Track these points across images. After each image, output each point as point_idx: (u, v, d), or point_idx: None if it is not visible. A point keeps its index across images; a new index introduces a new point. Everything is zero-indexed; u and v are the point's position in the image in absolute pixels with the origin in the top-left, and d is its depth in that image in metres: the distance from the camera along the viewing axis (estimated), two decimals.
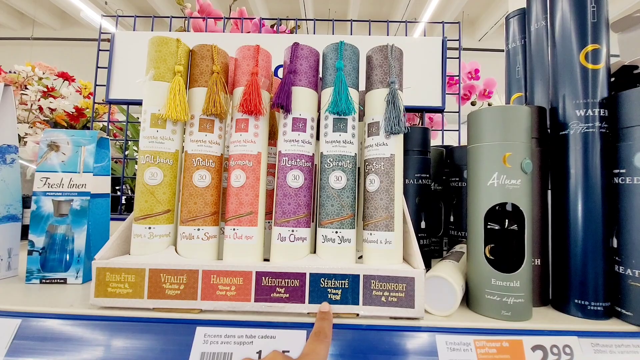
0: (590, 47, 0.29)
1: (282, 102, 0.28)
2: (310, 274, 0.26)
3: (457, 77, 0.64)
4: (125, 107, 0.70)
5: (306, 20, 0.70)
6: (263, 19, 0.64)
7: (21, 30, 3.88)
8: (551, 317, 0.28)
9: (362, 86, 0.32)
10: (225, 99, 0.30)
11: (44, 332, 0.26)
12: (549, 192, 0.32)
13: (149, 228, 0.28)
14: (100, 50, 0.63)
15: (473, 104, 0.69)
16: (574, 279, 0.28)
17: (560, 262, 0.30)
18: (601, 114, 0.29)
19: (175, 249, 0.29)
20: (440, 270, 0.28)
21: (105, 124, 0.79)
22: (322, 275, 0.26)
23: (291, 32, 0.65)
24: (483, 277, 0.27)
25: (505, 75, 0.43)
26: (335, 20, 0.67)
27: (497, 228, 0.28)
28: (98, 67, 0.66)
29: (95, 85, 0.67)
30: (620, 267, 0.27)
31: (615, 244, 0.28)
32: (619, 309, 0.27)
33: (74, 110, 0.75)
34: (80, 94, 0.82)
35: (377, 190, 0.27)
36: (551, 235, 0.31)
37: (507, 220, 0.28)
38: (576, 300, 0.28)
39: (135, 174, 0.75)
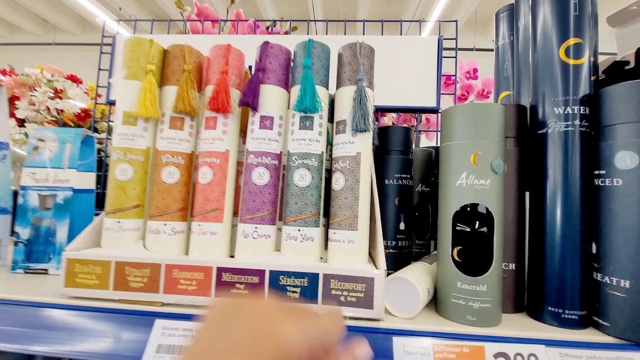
0: (571, 41, 0.28)
1: (249, 100, 0.28)
2: (270, 271, 0.26)
3: (454, 77, 0.62)
4: None
5: (308, 21, 0.71)
6: (258, 20, 0.65)
7: (45, 36, 4.12)
8: (522, 324, 0.26)
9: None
10: (196, 97, 0.31)
11: (19, 318, 0.27)
12: (527, 194, 0.30)
13: (118, 222, 0.29)
14: (102, 53, 0.66)
15: None
16: (549, 285, 0.27)
17: (535, 268, 0.28)
18: (582, 112, 0.27)
19: (144, 244, 0.29)
20: (406, 272, 0.28)
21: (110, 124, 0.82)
22: (281, 273, 0.26)
23: (286, 33, 0.66)
24: (449, 280, 0.26)
25: (495, 73, 0.41)
26: (347, 21, 0.66)
27: (466, 230, 0.27)
28: (100, 70, 0.69)
29: (97, 86, 0.70)
30: (599, 275, 0.25)
31: (594, 250, 0.26)
32: (596, 319, 0.25)
33: (79, 111, 0.79)
34: (88, 95, 0.86)
35: (342, 189, 0.27)
36: (528, 238, 0.30)
37: (475, 222, 0.27)
38: (550, 308, 0.26)
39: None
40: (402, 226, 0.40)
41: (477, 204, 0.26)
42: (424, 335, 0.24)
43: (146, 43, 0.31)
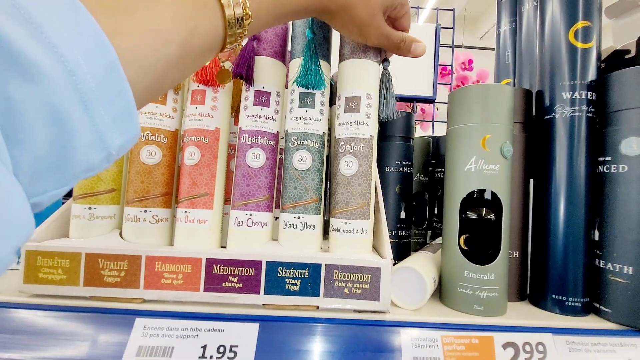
0: (580, 24, 0.27)
1: (242, 72, 0.25)
2: (266, 262, 0.24)
3: (450, 67, 0.62)
4: None
5: None
6: None
7: None
8: (526, 313, 0.26)
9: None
10: None
11: None
12: (531, 181, 0.30)
13: (89, 208, 0.25)
14: None
15: None
16: (552, 273, 0.26)
17: (539, 255, 0.28)
18: (589, 97, 0.27)
19: (120, 233, 0.26)
20: (411, 261, 0.26)
21: None
22: (279, 264, 0.24)
23: None
24: (456, 269, 0.25)
25: (495, 61, 0.40)
26: None
27: (473, 217, 0.26)
28: None
29: None
30: (601, 261, 0.25)
31: (597, 237, 0.26)
32: (598, 305, 0.25)
33: None
34: None
35: (355, 175, 0.25)
36: (531, 226, 0.29)
37: (483, 209, 0.26)
38: (554, 296, 0.26)
39: None
40: (402, 215, 0.38)
41: (484, 190, 0.25)
42: (432, 327, 0.23)
43: None
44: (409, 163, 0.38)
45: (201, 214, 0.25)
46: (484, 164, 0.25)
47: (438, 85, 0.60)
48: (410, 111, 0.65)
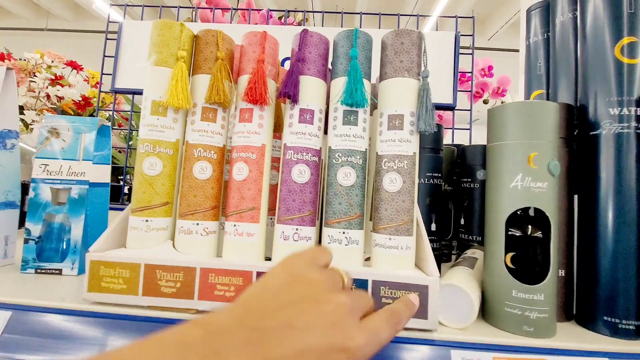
0: (625, 40, 0.27)
1: (290, 92, 0.26)
2: None
3: (469, 74, 0.61)
4: (128, 96, 0.70)
5: (313, 12, 0.68)
6: (271, 10, 0.62)
7: (35, 22, 3.96)
8: (577, 335, 0.25)
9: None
10: (229, 87, 0.29)
11: (35, 326, 0.25)
12: (575, 197, 0.29)
13: (146, 221, 0.27)
14: (107, 39, 0.63)
15: (485, 102, 0.66)
16: (602, 293, 0.26)
17: (586, 274, 0.27)
18: (638, 113, 0.26)
19: (173, 244, 0.27)
20: (455, 278, 0.26)
21: (111, 113, 0.79)
22: None
23: (299, 24, 0.63)
24: (503, 288, 0.25)
25: (525, 71, 0.40)
26: (344, 13, 0.65)
27: (520, 235, 0.25)
28: (105, 56, 0.66)
29: (102, 74, 0.67)
30: None
31: None
32: None
33: (80, 99, 0.75)
34: (88, 82, 0.82)
35: (399, 191, 0.25)
36: (577, 244, 0.28)
37: (529, 227, 0.26)
38: (605, 317, 0.25)
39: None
40: (433, 227, 0.38)
41: (528, 208, 0.25)
42: (484, 348, 0.23)
43: (177, 27, 0.28)
44: (439, 174, 0.38)
45: (249, 227, 0.26)
46: (531, 181, 0.25)
47: (457, 91, 0.59)
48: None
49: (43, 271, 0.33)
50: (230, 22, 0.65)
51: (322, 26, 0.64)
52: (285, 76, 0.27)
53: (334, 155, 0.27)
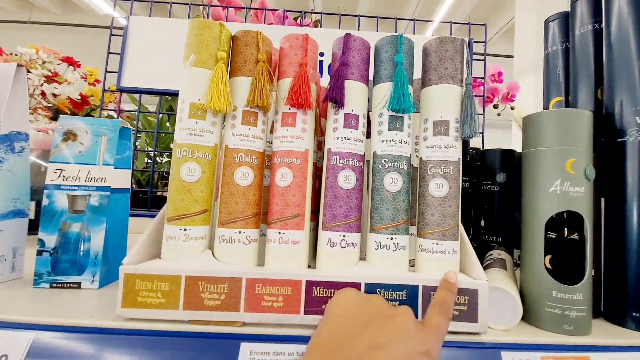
0: None
1: (337, 96, 0.26)
2: (365, 283, 0.24)
3: (481, 79, 0.63)
4: (134, 95, 0.66)
5: (312, 13, 0.68)
6: (287, 11, 0.61)
7: (18, 14, 3.67)
8: (610, 331, 0.26)
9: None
10: (269, 91, 0.28)
11: (62, 348, 0.23)
12: (602, 200, 0.31)
13: (185, 230, 0.25)
14: (112, 35, 0.59)
15: (495, 106, 0.69)
16: (631, 290, 0.27)
17: (615, 273, 0.29)
18: None
19: (212, 253, 0.26)
20: (498, 281, 0.27)
21: (111, 112, 0.75)
22: (378, 286, 0.24)
23: (315, 25, 0.63)
24: (543, 288, 0.26)
25: (544, 78, 0.42)
26: (342, 15, 0.65)
27: (558, 238, 0.26)
28: (110, 53, 0.62)
29: (106, 71, 0.63)
30: None
31: None
32: None
33: (79, 98, 0.71)
34: (86, 80, 0.77)
35: (446, 196, 0.26)
36: (604, 244, 0.30)
37: (565, 229, 0.27)
38: (634, 314, 0.27)
39: (146, 167, 0.71)
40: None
41: (565, 211, 0.26)
42: (531, 348, 0.23)
43: (216, 26, 0.27)
44: (467, 178, 0.39)
45: (294, 234, 0.26)
46: (569, 186, 0.26)
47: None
48: None
49: (59, 285, 0.30)
50: (245, 22, 0.64)
51: (320, 26, 0.64)
52: (330, 80, 0.27)
53: (380, 161, 0.27)
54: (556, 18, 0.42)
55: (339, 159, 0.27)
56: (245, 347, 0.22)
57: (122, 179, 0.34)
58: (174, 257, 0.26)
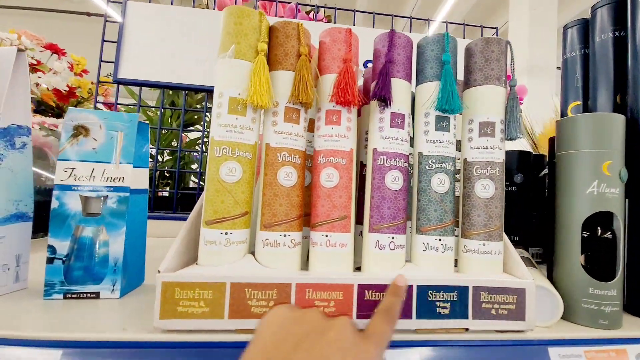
0: None
1: (385, 94, 0.25)
2: (417, 286, 0.24)
3: None
4: (131, 88, 0.62)
5: (297, 4, 0.66)
6: (299, 4, 0.59)
7: None
8: (637, 324, 0.28)
9: None
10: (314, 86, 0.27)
11: None
12: (626, 200, 0.32)
13: (226, 234, 0.24)
14: (107, 21, 0.55)
15: None
16: None
17: (636, 267, 0.30)
18: None
19: (255, 259, 0.25)
20: (537, 279, 0.27)
21: (101, 106, 0.70)
22: (429, 288, 0.24)
23: (328, 20, 0.61)
24: (579, 285, 0.27)
25: (562, 83, 0.43)
26: (337, 9, 0.64)
27: (594, 237, 0.27)
28: (104, 41, 0.57)
29: (100, 61, 0.58)
30: None
31: None
32: None
33: (66, 89, 0.65)
34: (72, 70, 0.71)
35: (492, 198, 0.26)
36: (628, 242, 0.31)
37: (598, 228, 0.28)
38: None
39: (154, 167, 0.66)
40: None
41: (599, 212, 0.27)
42: (574, 343, 0.24)
43: (255, 15, 0.25)
44: None
45: (341, 237, 0.25)
46: (605, 187, 0.27)
47: None
48: None
49: (74, 296, 0.27)
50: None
51: (335, 22, 0.63)
52: (377, 77, 0.26)
53: (426, 162, 0.26)
54: (575, 25, 0.43)
55: (386, 159, 0.26)
56: None
57: (141, 179, 0.31)
58: (214, 263, 0.24)
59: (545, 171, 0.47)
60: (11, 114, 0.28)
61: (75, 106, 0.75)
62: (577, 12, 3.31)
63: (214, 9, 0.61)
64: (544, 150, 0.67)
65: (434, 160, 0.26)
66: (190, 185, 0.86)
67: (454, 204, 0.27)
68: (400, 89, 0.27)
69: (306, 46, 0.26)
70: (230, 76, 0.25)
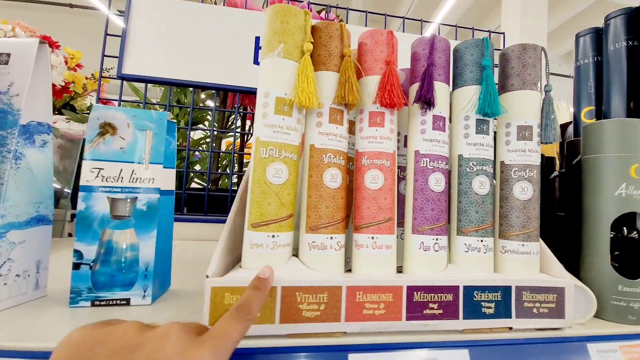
0: None
1: (430, 97, 0.25)
2: (463, 286, 0.24)
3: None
4: (134, 84, 0.59)
5: (298, 2, 0.66)
6: (311, 3, 0.59)
7: None
8: None
9: None
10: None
11: None
12: None
13: (273, 236, 0.23)
14: (111, 13, 0.52)
15: None
16: None
17: None
18: None
19: (301, 261, 0.24)
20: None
21: (97, 103, 0.67)
22: (475, 288, 0.24)
23: (340, 21, 0.61)
24: (608, 283, 0.28)
25: (575, 89, 0.45)
26: (330, 7, 0.64)
27: (623, 236, 0.29)
28: (107, 35, 0.55)
29: (103, 55, 0.55)
30: None
31: None
32: None
33: (62, 84, 0.61)
34: (66, 64, 0.68)
35: (530, 199, 0.26)
36: None
37: (624, 228, 0.30)
38: None
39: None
40: None
41: (627, 213, 0.29)
42: (610, 339, 0.25)
43: (301, 14, 0.25)
44: None
45: (387, 239, 0.25)
46: (633, 189, 0.28)
47: None
48: None
49: (103, 303, 0.26)
50: (262, 9, 0.60)
51: (347, 22, 0.63)
52: (421, 80, 0.26)
53: (467, 164, 0.27)
54: (587, 33, 0.45)
55: (429, 162, 0.26)
56: (353, 359, 0.21)
57: (169, 180, 0.30)
58: (259, 266, 0.23)
59: (556, 173, 0.49)
60: (31, 109, 0.27)
61: (68, 102, 0.71)
62: (567, 18, 3.49)
63: (223, 5, 0.60)
64: (543, 151, 0.69)
65: (475, 163, 0.27)
66: (192, 186, 0.83)
67: (493, 205, 0.27)
68: (441, 91, 0.27)
69: (349, 47, 0.26)
70: (276, 76, 0.24)
